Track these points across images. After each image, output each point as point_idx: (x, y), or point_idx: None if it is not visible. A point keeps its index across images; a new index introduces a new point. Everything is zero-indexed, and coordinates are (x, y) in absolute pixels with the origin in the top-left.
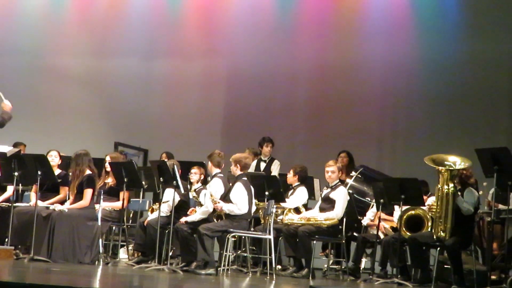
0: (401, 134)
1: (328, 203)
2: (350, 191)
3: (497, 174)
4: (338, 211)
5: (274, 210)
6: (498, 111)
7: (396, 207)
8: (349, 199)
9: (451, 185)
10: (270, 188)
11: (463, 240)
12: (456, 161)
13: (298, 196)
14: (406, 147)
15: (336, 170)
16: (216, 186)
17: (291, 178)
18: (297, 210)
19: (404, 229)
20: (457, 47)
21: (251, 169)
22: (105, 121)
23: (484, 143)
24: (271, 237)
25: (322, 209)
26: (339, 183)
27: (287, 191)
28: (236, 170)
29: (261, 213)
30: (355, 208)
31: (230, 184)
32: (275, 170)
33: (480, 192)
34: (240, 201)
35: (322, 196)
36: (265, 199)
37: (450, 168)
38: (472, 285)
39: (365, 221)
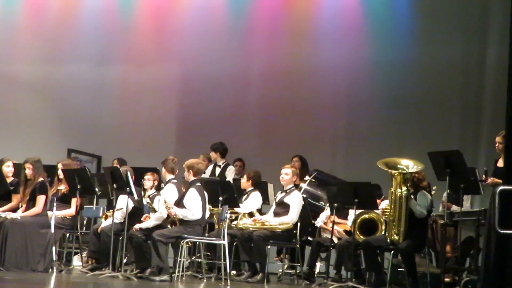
0: (354, 138)
1: (283, 208)
2: (304, 196)
3: (449, 177)
4: (292, 216)
5: (228, 215)
6: (450, 114)
7: (351, 210)
8: (303, 204)
9: (404, 188)
10: (224, 194)
11: (416, 243)
12: (409, 165)
13: (252, 201)
14: (360, 151)
15: (290, 173)
16: (170, 192)
17: (245, 183)
18: (251, 215)
19: (358, 233)
20: (409, 51)
21: (207, 174)
22: (58, 128)
23: (437, 147)
24: (226, 242)
25: (276, 214)
26: (293, 187)
27: (241, 196)
28: (189, 176)
29: (215, 218)
30: (309, 212)
31: (184, 190)
32: (229, 175)
33: (434, 190)
34: (194, 206)
35: (277, 200)
36: (219, 205)
37: (403, 172)
38: (426, 287)
39: (318, 222)
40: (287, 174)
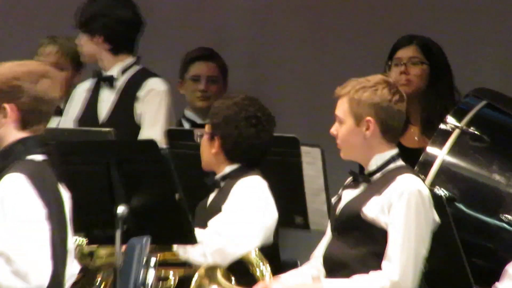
0: None
1: (359, 240)
2: (444, 193)
3: None
4: (398, 271)
5: (152, 269)
6: None
7: None
8: (445, 223)
9: None
10: (129, 186)
11: None
12: None
13: (240, 216)
14: None
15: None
16: None
17: (207, 145)
18: (241, 269)
19: None
20: None
21: (75, 108)
22: None
23: None
24: None
25: (332, 267)
26: (394, 159)
27: (202, 191)
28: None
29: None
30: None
31: None
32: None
33: None
34: (24, 248)
35: (338, 211)
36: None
37: None
38: None
39: None
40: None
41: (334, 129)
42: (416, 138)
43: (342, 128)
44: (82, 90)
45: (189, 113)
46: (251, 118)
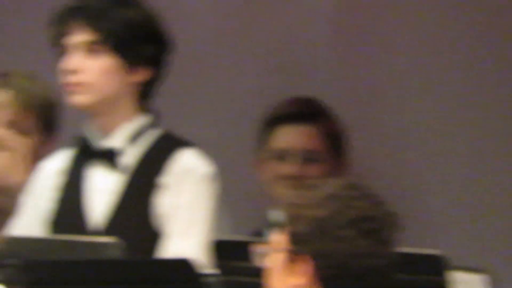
0: None
1: None
2: None
3: None
4: None
5: None
6: None
7: None
8: None
9: None
10: None
11: None
12: None
13: None
14: None
15: None
16: None
17: (290, 278)
18: None
19: None
20: None
21: None
22: None
23: None
24: None
25: None
26: None
27: None
28: None
29: None
30: None
31: None
32: None
33: None
34: None
35: None
36: None
37: None
38: None
39: None
40: None
41: None
42: None
43: None
44: (53, 172)
45: (276, 215)
46: (363, 221)
